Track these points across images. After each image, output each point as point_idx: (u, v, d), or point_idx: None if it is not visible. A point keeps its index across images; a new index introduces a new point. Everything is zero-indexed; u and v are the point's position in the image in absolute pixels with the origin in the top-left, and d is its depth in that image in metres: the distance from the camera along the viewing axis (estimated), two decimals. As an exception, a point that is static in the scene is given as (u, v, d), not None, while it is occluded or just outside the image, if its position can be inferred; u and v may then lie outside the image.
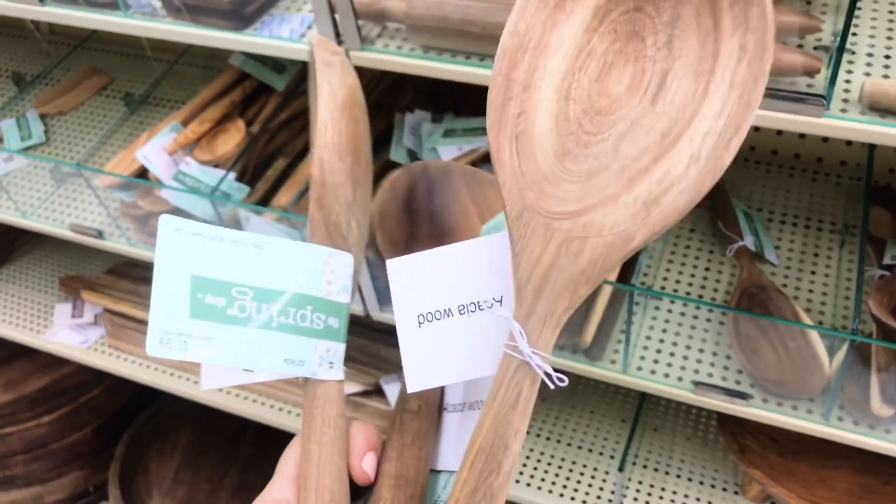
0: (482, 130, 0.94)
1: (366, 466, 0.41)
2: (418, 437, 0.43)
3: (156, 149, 0.95)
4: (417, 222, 0.51)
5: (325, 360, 0.42)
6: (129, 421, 1.55)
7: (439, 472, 0.44)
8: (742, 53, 0.34)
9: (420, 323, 0.40)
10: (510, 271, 0.37)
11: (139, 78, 1.29)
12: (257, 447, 1.48)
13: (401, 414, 0.44)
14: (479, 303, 0.39)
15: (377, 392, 1.12)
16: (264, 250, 0.39)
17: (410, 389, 0.40)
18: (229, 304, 0.38)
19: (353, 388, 1.11)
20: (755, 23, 0.34)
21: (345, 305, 0.43)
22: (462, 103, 1.03)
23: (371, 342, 1.17)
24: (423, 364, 0.40)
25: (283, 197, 0.96)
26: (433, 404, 0.44)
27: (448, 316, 0.40)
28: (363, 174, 0.45)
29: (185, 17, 0.80)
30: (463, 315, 0.40)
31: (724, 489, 1.03)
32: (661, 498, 1.03)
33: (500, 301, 0.39)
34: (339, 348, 0.43)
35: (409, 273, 0.40)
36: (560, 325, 0.36)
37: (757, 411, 0.80)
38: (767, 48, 0.33)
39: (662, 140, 0.34)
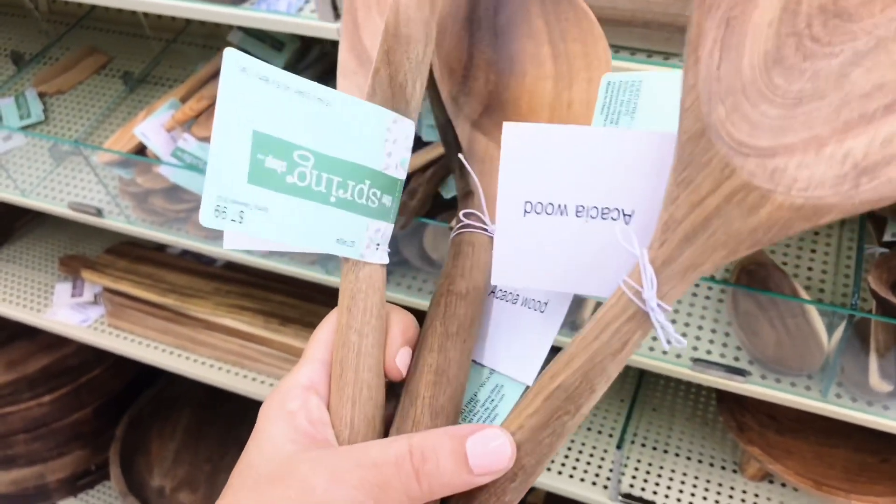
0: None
1: (399, 362, 0.37)
2: (464, 326, 0.37)
3: (154, 126, 0.94)
4: (477, 42, 0.43)
5: (374, 242, 0.37)
6: (130, 401, 1.55)
7: (480, 365, 0.39)
8: None
9: (526, 211, 0.34)
10: (655, 185, 0.31)
11: (138, 56, 1.29)
12: (258, 427, 1.49)
13: (445, 296, 0.38)
14: (602, 209, 0.33)
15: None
16: (331, 107, 0.34)
17: (495, 281, 0.35)
18: (290, 171, 0.33)
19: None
20: None
21: (400, 181, 0.38)
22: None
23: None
24: (517, 257, 0.34)
25: (282, 174, 0.95)
26: (482, 288, 0.39)
27: (562, 213, 0.33)
28: (435, 25, 0.38)
29: (182, -9, 0.80)
30: (580, 217, 0.33)
31: (723, 467, 1.03)
32: (659, 476, 1.03)
33: (630, 217, 0.32)
34: (388, 229, 0.38)
35: (527, 145, 0.33)
36: (699, 278, 0.31)
37: (755, 388, 0.80)
38: None
39: None
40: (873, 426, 0.77)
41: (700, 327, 0.85)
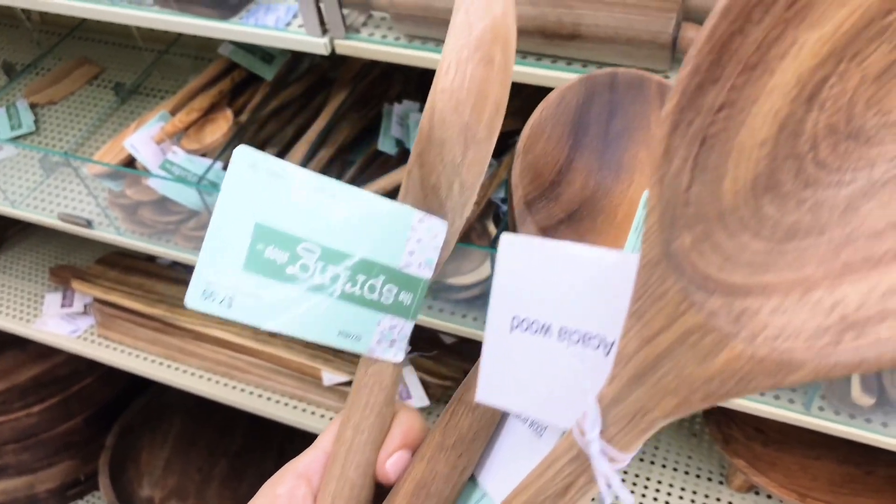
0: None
1: (390, 465, 0.36)
2: (463, 439, 0.36)
3: (143, 138, 0.95)
4: (581, 147, 0.40)
5: (387, 338, 0.37)
6: (120, 411, 1.55)
7: (476, 483, 0.37)
8: None
9: (513, 326, 0.32)
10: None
11: (130, 67, 1.29)
12: (248, 438, 1.49)
13: (455, 404, 0.37)
14: (585, 335, 0.30)
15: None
16: (347, 203, 0.34)
17: (479, 398, 0.33)
18: (291, 262, 0.33)
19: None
20: None
21: (423, 280, 0.37)
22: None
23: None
24: (501, 375, 0.32)
25: (271, 186, 0.96)
26: None
27: (545, 333, 0.31)
28: (484, 128, 0.36)
29: (171, 5, 0.80)
30: (562, 341, 0.30)
31: (710, 479, 1.04)
32: (646, 488, 1.04)
33: (611, 346, 0.29)
34: (406, 326, 0.37)
35: (522, 257, 0.31)
36: (653, 429, 0.26)
37: (739, 400, 0.80)
38: None
39: None
40: (856, 439, 0.78)
41: (685, 340, 0.85)
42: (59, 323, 1.31)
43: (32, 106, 1.25)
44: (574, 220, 0.39)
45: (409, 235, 0.36)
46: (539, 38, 0.66)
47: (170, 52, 1.26)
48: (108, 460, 1.45)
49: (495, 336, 0.32)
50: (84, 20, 1.36)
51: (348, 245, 0.34)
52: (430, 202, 0.36)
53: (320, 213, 0.33)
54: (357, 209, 0.34)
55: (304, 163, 0.96)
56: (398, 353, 0.37)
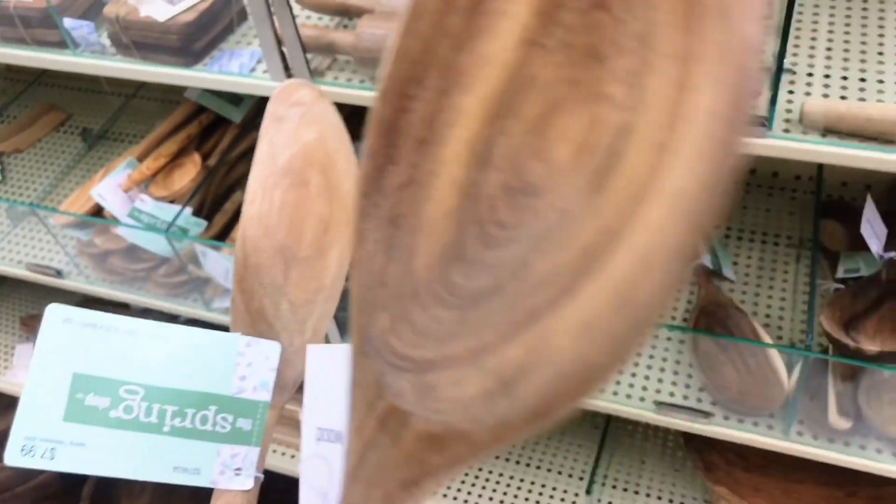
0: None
1: None
2: None
3: (111, 186, 0.94)
4: None
5: (230, 467, 0.37)
6: (96, 459, 1.52)
7: None
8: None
9: (318, 438, 0.32)
10: None
11: (97, 113, 1.29)
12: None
13: None
14: (337, 433, 0.32)
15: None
16: (167, 341, 0.35)
17: None
18: (114, 405, 0.34)
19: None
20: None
21: (261, 403, 0.37)
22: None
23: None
24: (314, 489, 0.32)
25: (242, 230, 0.95)
26: None
27: (340, 441, 0.31)
28: (308, 246, 0.38)
29: (134, 54, 0.80)
30: (320, 442, 0.32)
31: (694, 506, 1.03)
32: (631, 518, 1.03)
33: None
34: (251, 452, 0.37)
35: (326, 367, 0.32)
36: None
37: (719, 429, 0.80)
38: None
39: (580, 262, 0.20)
40: (836, 463, 0.78)
41: (662, 369, 0.85)
42: (31, 373, 1.29)
43: (-2, 155, 1.24)
44: None
45: (238, 361, 0.36)
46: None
47: (137, 97, 1.26)
48: (86, 511, 1.42)
49: (308, 446, 0.33)
50: (49, 67, 1.35)
51: (172, 380, 0.35)
52: (258, 326, 0.37)
53: (140, 354, 0.35)
54: (178, 344, 0.35)
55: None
56: (246, 480, 0.37)
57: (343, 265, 0.38)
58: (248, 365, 0.37)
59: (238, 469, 0.37)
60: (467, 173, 0.22)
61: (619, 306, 0.18)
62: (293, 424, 1.15)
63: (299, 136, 0.39)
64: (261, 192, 0.37)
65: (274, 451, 1.15)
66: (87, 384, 0.33)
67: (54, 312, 0.33)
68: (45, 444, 0.33)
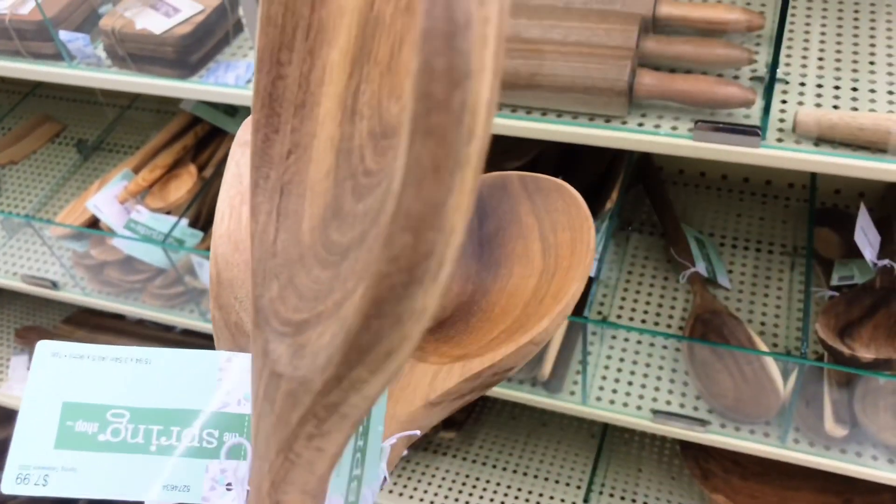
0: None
1: None
2: None
3: (107, 197, 0.94)
4: (465, 258, 0.41)
5: (220, 483, 0.37)
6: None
7: None
8: None
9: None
10: None
11: (92, 124, 1.29)
12: None
13: None
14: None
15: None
16: (150, 365, 0.37)
17: None
18: (102, 430, 0.36)
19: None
20: None
21: (247, 417, 0.38)
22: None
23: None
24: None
25: (238, 241, 0.95)
26: None
27: None
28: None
29: (130, 66, 0.80)
30: None
31: (691, 514, 1.03)
32: (629, 526, 1.03)
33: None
34: (241, 467, 0.38)
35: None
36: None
37: (715, 437, 0.81)
38: None
39: None
40: (832, 470, 0.78)
41: (658, 378, 0.86)
42: (27, 385, 1.28)
43: (-7, 167, 1.24)
44: (444, 326, 0.39)
45: (220, 377, 0.37)
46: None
47: (132, 108, 1.26)
48: (82, 523, 1.41)
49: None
50: (44, 78, 1.35)
51: (156, 401, 0.36)
52: (238, 340, 0.38)
53: (125, 379, 0.36)
54: (160, 365, 0.37)
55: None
56: (237, 497, 0.37)
57: None
58: (231, 379, 0.38)
59: (229, 484, 0.38)
60: (341, 129, 0.22)
61: None
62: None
63: None
64: (228, 211, 0.38)
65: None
66: (76, 411, 0.35)
67: (44, 348, 0.35)
68: (38, 471, 0.34)
